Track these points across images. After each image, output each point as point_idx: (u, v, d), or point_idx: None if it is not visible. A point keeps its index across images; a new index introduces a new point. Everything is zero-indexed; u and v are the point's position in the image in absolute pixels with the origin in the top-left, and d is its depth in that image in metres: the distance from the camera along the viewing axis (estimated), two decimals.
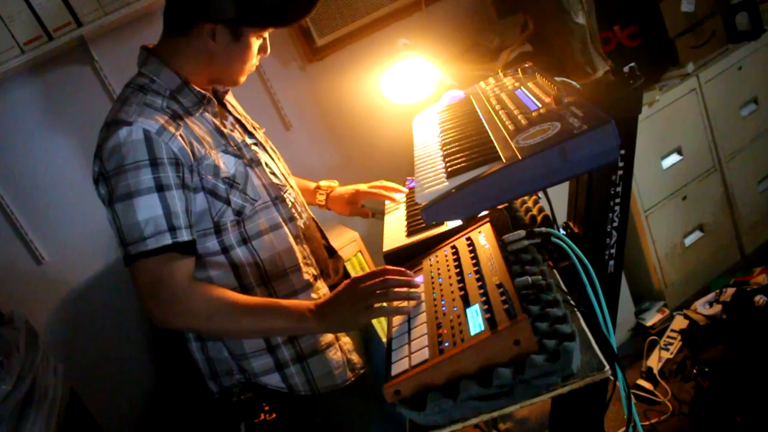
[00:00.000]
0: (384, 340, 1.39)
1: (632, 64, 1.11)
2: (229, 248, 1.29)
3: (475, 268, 1.08)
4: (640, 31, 2.45)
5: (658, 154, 2.49)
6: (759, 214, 2.79)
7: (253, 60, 1.32)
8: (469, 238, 1.21)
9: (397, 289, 1.13)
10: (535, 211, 1.34)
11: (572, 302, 1.05)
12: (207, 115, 1.31)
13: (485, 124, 1.24)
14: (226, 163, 1.26)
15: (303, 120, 2.57)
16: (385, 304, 1.13)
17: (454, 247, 1.23)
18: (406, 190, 1.73)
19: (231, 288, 1.28)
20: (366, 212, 1.75)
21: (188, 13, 1.23)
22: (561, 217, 1.33)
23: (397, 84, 1.91)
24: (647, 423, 2.15)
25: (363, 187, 1.74)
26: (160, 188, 1.16)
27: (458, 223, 1.34)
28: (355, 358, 1.43)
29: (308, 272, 1.38)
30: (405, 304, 1.13)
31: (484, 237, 1.19)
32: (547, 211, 1.30)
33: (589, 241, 1.27)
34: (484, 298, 0.99)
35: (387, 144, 2.40)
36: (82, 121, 2.22)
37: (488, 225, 1.22)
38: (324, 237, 1.54)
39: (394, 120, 2.13)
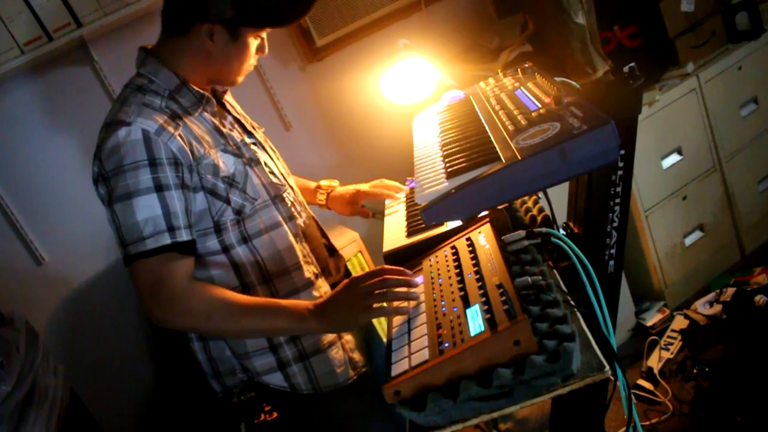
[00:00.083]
0: (384, 340, 1.39)
1: (632, 64, 1.11)
2: (229, 247, 1.29)
3: (475, 269, 1.08)
4: (640, 31, 2.45)
5: (658, 154, 2.49)
6: (759, 214, 2.79)
7: (251, 60, 1.32)
8: (469, 239, 1.21)
9: (396, 289, 1.13)
10: (535, 212, 1.34)
11: (572, 302, 1.04)
12: (206, 114, 1.31)
13: (485, 125, 1.24)
14: (225, 163, 1.26)
15: (303, 120, 2.57)
16: (384, 304, 1.13)
17: (454, 247, 1.22)
18: (406, 188, 1.73)
19: (232, 287, 1.29)
20: (366, 212, 1.75)
21: (186, 14, 1.23)
22: (561, 217, 1.32)
23: (397, 84, 1.91)
24: (647, 423, 2.15)
25: (364, 187, 1.74)
26: (159, 188, 1.16)
27: (458, 223, 1.34)
28: (356, 356, 1.43)
29: (309, 270, 1.38)
30: (404, 304, 1.13)
31: (484, 237, 1.19)
32: (547, 212, 1.30)
33: (589, 242, 1.26)
34: (484, 299, 0.98)
35: (387, 144, 2.40)
36: (82, 121, 2.22)
37: (488, 225, 1.22)
38: (324, 236, 1.54)
39: (394, 120, 2.13)
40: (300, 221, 1.42)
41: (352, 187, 1.75)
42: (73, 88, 2.22)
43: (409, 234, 1.45)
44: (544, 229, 1.15)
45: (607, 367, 0.90)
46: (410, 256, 1.33)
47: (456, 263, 1.15)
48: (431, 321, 1.04)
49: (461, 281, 1.08)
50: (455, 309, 1.01)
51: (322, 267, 1.44)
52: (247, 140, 1.37)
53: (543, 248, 1.16)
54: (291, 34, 2.49)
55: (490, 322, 0.92)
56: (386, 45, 2.12)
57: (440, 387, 0.91)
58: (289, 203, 1.40)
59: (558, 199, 1.31)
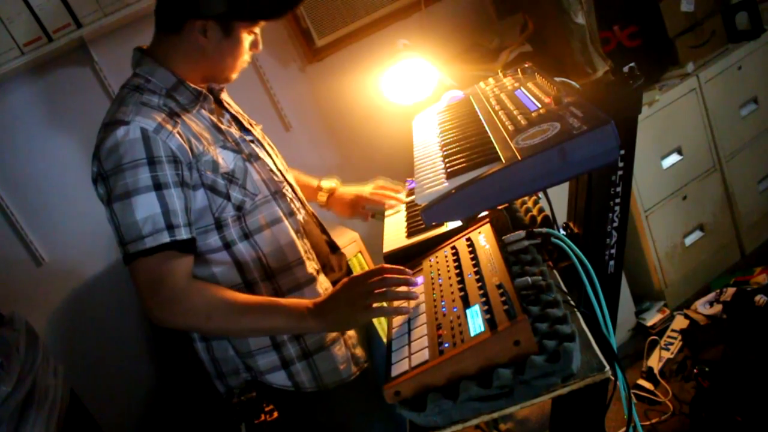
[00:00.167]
0: (384, 340, 1.39)
1: (632, 64, 1.11)
2: (231, 244, 1.29)
3: (475, 269, 1.08)
4: (640, 31, 2.45)
5: (658, 153, 2.49)
6: (759, 214, 2.79)
7: (245, 56, 1.33)
8: (469, 239, 1.21)
9: (396, 289, 1.13)
10: (535, 212, 1.34)
11: (572, 303, 1.04)
12: (204, 112, 1.31)
13: (485, 125, 1.24)
14: (224, 159, 1.27)
15: (303, 121, 2.57)
16: (384, 303, 1.13)
17: (454, 247, 1.22)
18: (406, 190, 1.73)
19: (235, 284, 1.29)
20: (366, 214, 1.74)
21: (179, 11, 1.24)
22: (561, 217, 1.32)
23: (396, 84, 1.91)
24: (648, 423, 2.15)
25: (365, 191, 1.73)
26: (158, 186, 1.16)
27: (458, 223, 1.34)
28: (359, 352, 1.44)
29: (311, 266, 1.38)
30: (404, 303, 1.13)
31: (483, 237, 1.19)
32: (547, 212, 1.30)
33: (589, 242, 1.26)
34: (484, 299, 0.98)
35: (387, 144, 2.40)
36: (81, 122, 2.22)
37: (488, 225, 1.22)
38: (325, 232, 1.54)
39: (394, 120, 2.13)
40: (300, 217, 1.42)
41: (353, 191, 1.74)
42: (73, 88, 2.22)
43: (409, 234, 1.45)
44: (544, 230, 1.15)
45: (607, 367, 0.90)
46: (410, 257, 1.33)
47: (456, 263, 1.15)
48: (431, 321, 1.04)
49: (461, 281, 1.08)
50: (455, 309, 1.01)
51: (322, 263, 1.44)
52: (246, 137, 1.38)
53: (543, 248, 1.16)
54: (291, 34, 2.49)
55: (490, 322, 0.92)
56: (386, 45, 2.12)
57: (440, 387, 0.91)
58: (289, 199, 1.40)
59: (558, 199, 1.31)
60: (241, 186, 1.28)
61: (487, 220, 1.24)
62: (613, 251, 1.29)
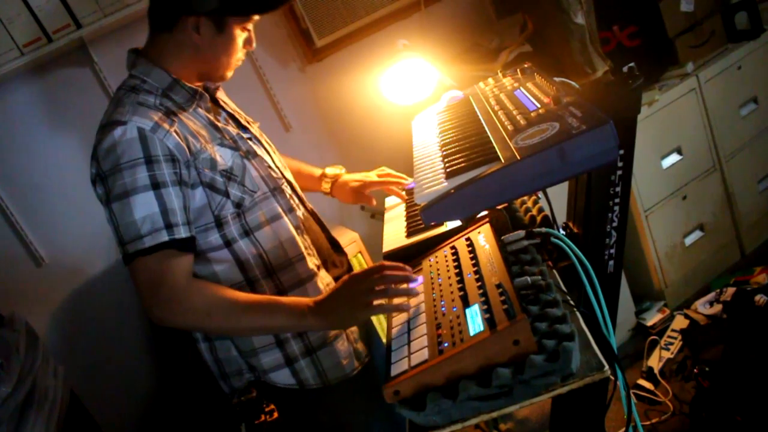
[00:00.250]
0: (384, 339, 1.39)
1: (631, 64, 1.11)
2: (231, 241, 1.29)
3: (475, 269, 1.08)
4: (640, 30, 2.45)
5: (657, 153, 2.49)
6: (759, 214, 2.78)
7: (239, 54, 1.33)
8: (468, 239, 1.21)
9: (395, 286, 1.13)
10: (534, 212, 1.34)
11: (572, 302, 1.04)
12: (200, 110, 1.31)
13: (484, 125, 1.24)
14: (223, 156, 1.27)
15: (303, 121, 2.57)
16: (384, 300, 1.13)
17: (453, 247, 1.23)
18: (409, 180, 1.72)
19: (236, 282, 1.30)
20: (370, 199, 1.74)
21: (171, 8, 1.24)
22: (560, 217, 1.33)
23: (396, 85, 1.91)
24: (648, 423, 2.15)
25: (370, 177, 1.73)
26: (156, 186, 1.16)
27: (458, 223, 1.34)
28: (360, 346, 1.44)
29: (312, 262, 1.39)
30: (404, 300, 1.13)
31: (483, 237, 1.19)
32: (547, 212, 1.30)
33: (588, 242, 1.26)
34: (483, 299, 0.99)
35: (387, 145, 2.40)
36: (81, 122, 2.22)
37: (488, 225, 1.22)
38: (326, 229, 1.54)
39: (394, 121, 2.13)
40: (299, 213, 1.42)
41: (358, 177, 1.73)
42: (73, 89, 2.23)
43: (409, 234, 1.45)
44: (543, 229, 1.15)
45: (607, 367, 0.90)
46: (410, 257, 1.33)
47: (455, 263, 1.15)
48: (431, 321, 1.04)
49: (461, 281, 1.08)
50: (455, 309, 1.01)
51: (323, 259, 1.45)
52: (243, 134, 1.38)
53: (542, 248, 1.16)
54: (290, 34, 2.49)
55: (490, 321, 0.92)
56: (386, 45, 2.13)
57: (440, 387, 0.92)
58: (288, 195, 1.40)
59: (557, 199, 1.31)
60: (239, 183, 1.28)
61: (487, 219, 1.24)
62: (612, 251, 1.29)
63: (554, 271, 1.20)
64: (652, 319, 2.56)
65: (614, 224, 1.26)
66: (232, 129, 1.36)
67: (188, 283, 1.19)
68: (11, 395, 1.55)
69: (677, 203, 2.55)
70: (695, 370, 2.15)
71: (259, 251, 1.31)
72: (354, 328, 1.44)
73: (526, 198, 1.41)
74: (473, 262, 1.11)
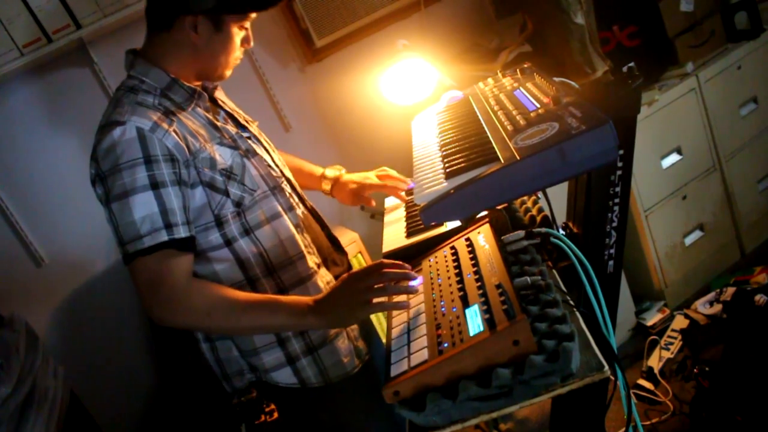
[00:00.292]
0: (384, 340, 1.39)
1: (631, 64, 1.11)
2: (232, 240, 1.29)
3: (474, 269, 1.08)
4: (639, 30, 2.45)
5: (657, 153, 2.49)
6: (759, 214, 2.78)
7: (237, 52, 1.33)
8: (468, 239, 1.21)
9: (395, 284, 1.13)
10: (534, 212, 1.34)
11: (572, 302, 1.04)
12: (199, 110, 1.32)
13: (484, 125, 1.24)
14: (222, 155, 1.27)
15: (302, 121, 2.57)
16: (383, 298, 1.13)
17: (453, 247, 1.23)
18: (409, 181, 1.72)
19: (237, 281, 1.30)
20: (369, 200, 1.74)
21: (169, 8, 1.24)
22: (560, 217, 1.33)
23: (396, 85, 1.91)
24: (648, 423, 2.15)
25: (370, 179, 1.73)
26: (155, 185, 1.16)
27: (457, 223, 1.34)
28: (360, 344, 1.45)
29: (312, 260, 1.39)
30: (404, 298, 1.13)
31: (483, 237, 1.19)
32: (547, 212, 1.30)
33: (588, 242, 1.26)
34: (483, 299, 0.99)
35: (386, 145, 2.40)
36: (81, 123, 2.22)
37: (487, 225, 1.22)
38: (326, 227, 1.54)
39: (394, 121, 2.13)
40: (299, 211, 1.42)
41: (356, 178, 1.73)
42: (73, 89, 2.23)
43: (409, 234, 1.45)
44: (543, 229, 1.15)
45: (606, 367, 0.90)
46: (410, 257, 1.33)
47: (455, 263, 1.15)
48: (430, 321, 1.04)
49: (460, 281, 1.08)
50: (454, 309, 1.01)
51: (323, 257, 1.45)
52: (242, 134, 1.38)
53: (542, 248, 1.16)
54: (290, 35, 2.49)
55: (489, 322, 0.92)
56: (385, 45, 2.13)
57: (439, 387, 0.92)
58: (288, 194, 1.41)
59: (557, 199, 1.31)
60: (239, 182, 1.28)
61: (487, 220, 1.24)
62: (612, 251, 1.29)
63: (554, 271, 1.20)
64: (652, 319, 2.56)
65: (614, 224, 1.26)
66: (231, 128, 1.36)
67: (188, 282, 1.19)
68: (11, 395, 1.56)
69: (677, 203, 2.55)
70: (695, 370, 2.15)
71: (260, 250, 1.32)
72: (354, 326, 1.44)
73: (525, 198, 1.41)
74: (473, 262, 1.11)
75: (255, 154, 1.36)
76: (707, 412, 2.05)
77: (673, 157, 2.53)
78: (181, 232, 1.18)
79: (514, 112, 1.16)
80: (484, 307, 0.96)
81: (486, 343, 0.90)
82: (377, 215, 1.76)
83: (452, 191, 0.99)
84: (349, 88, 2.50)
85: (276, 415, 1.41)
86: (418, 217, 1.35)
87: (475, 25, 2.68)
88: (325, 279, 1.41)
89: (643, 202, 2.47)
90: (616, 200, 1.23)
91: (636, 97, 1.12)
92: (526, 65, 1.48)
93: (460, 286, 1.07)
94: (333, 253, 1.51)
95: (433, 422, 0.91)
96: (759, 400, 1.92)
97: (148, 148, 1.17)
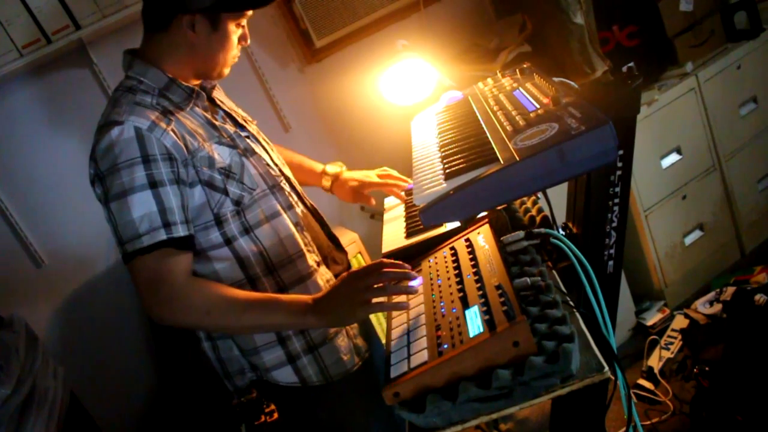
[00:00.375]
0: (383, 341, 1.39)
1: (630, 64, 1.11)
2: (231, 239, 1.29)
3: (474, 270, 1.08)
4: (639, 30, 2.45)
5: (657, 153, 2.49)
6: (759, 213, 2.78)
7: (234, 50, 1.34)
8: (468, 240, 1.21)
9: (394, 283, 1.13)
10: (534, 212, 1.34)
11: (571, 303, 1.04)
12: (197, 109, 1.32)
13: (483, 126, 1.24)
14: (221, 154, 1.27)
15: (302, 121, 2.57)
16: (383, 298, 1.13)
17: (453, 248, 1.22)
18: (410, 181, 1.72)
19: (237, 280, 1.30)
20: (368, 199, 1.74)
21: (166, 8, 1.25)
22: (560, 217, 1.32)
23: (395, 85, 1.91)
24: (648, 423, 2.15)
25: (370, 177, 1.73)
26: (154, 185, 1.16)
27: (457, 224, 1.34)
28: (360, 342, 1.45)
29: (311, 258, 1.39)
30: (403, 298, 1.13)
31: (482, 238, 1.19)
32: (546, 212, 1.30)
33: (588, 242, 1.26)
34: (483, 300, 0.98)
35: (386, 145, 2.40)
36: (81, 123, 2.22)
37: (487, 226, 1.22)
38: (325, 226, 1.54)
39: (393, 121, 2.13)
40: (298, 210, 1.43)
41: (357, 176, 1.74)
42: (72, 90, 2.22)
43: (408, 235, 1.45)
44: (543, 230, 1.15)
45: (606, 368, 0.90)
46: (409, 257, 1.33)
47: (455, 264, 1.15)
48: (430, 322, 1.04)
49: (460, 282, 1.08)
50: (454, 310, 1.01)
51: (323, 255, 1.45)
52: (241, 133, 1.38)
53: (542, 249, 1.16)
54: (290, 35, 2.49)
55: (489, 323, 0.92)
56: (385, 46, 2.12)
57: (439, 388, 0.91)
58: (287, 192, 1.41)
59: (557, 199, 1.31)
60: (238, 181, 1.29)
61: (486, 220, 1.24)
62: (612, 251, 1.29)
63: (554, 271, 1.19)
64: (652, 318, 2.56)
65: (614, 224, 1.26)
66: (230, 127, 1.37)
67: (187, 281, 1.19)
68: (11, 396, 1.56)
69: (677, 203, 2.55)
70: (695, 370, 2.15)
71: (260, 249, 1.32)
72: (353, 324, 1.44)
73: (525, 198, 1.41)
74: (473, 263, 1.11)
75: (253, 153, 1.36)
76: (707, 411, 2.05)
77: (673, 157, 2.52)
78: (180, 231, 1.18)
79: (514, 113, 1.16)
80: (484, 308, 0.96)
81: (486, 344, 0.90)
82: (377, 215, 1.76)
83: (452, 192, 0.99)
84: (349, 88, 2.50)
85: (276, 415, 1.41)
86: (418, 218, 1.35)
87: (474, 26, 2.68)
88: (325, 277, 1.41)
89: (643, 202, 2.47)
90: (616, 200, 1.23)
91: (635, 97, 1.12)
92: (525, 65, 1.48)
93: (459, 287, 1.06)
94: (333, 251, 1.51)
95: (433, 423, 0.91)
96: (759, 400, 1.92)
97: (146, 147, 1.17)
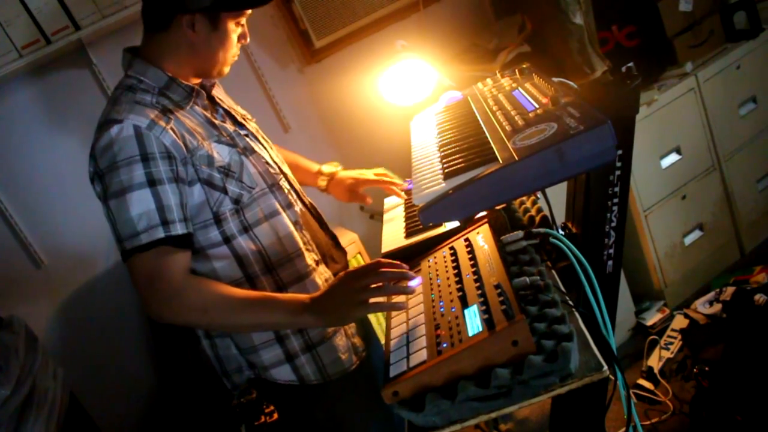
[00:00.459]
0: (383, 340, 1.39)
1: (630, 64, 1.11)
2: (230, 238, 1.30)
3: (473, 269, 1.08)
4: (638, 30, 2.45)
5: (657, 153, 2.49)
6: (758, 213, 2.79)
7: (234, 49, 1.34)
8: (467, 239, 1.21)
9: (392, 283, 1.13)
10: (533, 212, 1.34)
11: (571, 303, 1.04)
12: (197, 108, 1.32)
13: (482, 125, 1.25)
14: (220, 153, 1.28)
15: (301, 122, 2.57)
16: (380, 298, 1.13)
17: (452, 248, 1.23)
18: (405, 183, 1.73)
19: (236, 279, 1.30)
20: (364, 197, 1.74)
21: (166, 8, 1.25)
22: (559, 217, 1.33)
23: (395, 85, 1.91)
24: (648, 422, 2.15)
25: (365, 175, 1.74)
26: (152, 183, 1.17)
27: (456, 224, 1.34)
28: (357, 341, 1.45)
29: (310, 257, 1.39)
30: (402, 298, 1.13)
31: (482, 238, 1.19)
32: (546, 212, 1.30)
33: (587, 242, 1.26)
34: (482, 299, 0.99)
35: (385, 145, 2.40)
36: (80, 124, 2.22)
37: (486, 226, 1.22)
38: (324, 224, 1.54)
39: (393, 121, 2.13)
40: (297, 208, 1.43)
41: (353, 174, 1.74)
42: (72, 90, 2.23)
43: (408, 235, 1.45)
44: (542, 230, 1.15)
45: (605, 367, 0.90)
46: (409, 257, 1.33)
47: (454, 264, 1.15)
48: (429, 321, 1.04)
49: (459, 282, 1.08)
50: (453, 309, 1.01)
51: (322, 254, 1.45)
52: (240, 131, 1.39)
53: (541, 248, 1.16)
54: (289, 35, 2.49)
55: (488, 322, 0.92)
56: (384, 46, 2.12)
57: (439, 387, 0.92)
58: (286, 191, 1.41)
59: (556, 199, 1.31)
60: (237, 179, 1.29)
61: (486, 220, 1.24)
62: (611, 251, 1.29)
63: (553, 271, 1.20)
64: (652, 318, 2.56)
65: (613, 224, 1.26)
66: (230, 126, 1.37)
67: (185, 279, 1.19)
68: (10, 397, 1.56)
69: (676, 203, 2.55)
70: (695, 370, 2.15)
71: (258, 247, 1.32)
72: (351, 323, 1.44)
73: (524, 198, 1.41)
74: (472, 262, 1.11)
75: (253, 151, 1.37)
76: (707, 411, 2.05)
77: (673, 157, 2.53)
78: (178, 229, 1.18)
79: (513, 113, 1.16)
80: (483, 308, 0.96)
81: (485, 343, 0.90)
82: (376, 215, 1.77)
83: (451, 192, 1.00)
84: (348, 88, 2.51)
85: (276, 416, 1.41)
86: (417, 218, 1.35)
87: (473, 26, 2.69)
88: (323, 276, 1.41)
89: (643, 202, 2.47)
90: (615, 200, 1.23)
91: (635, 97, 1.12)
92: (524, 65, 1.48)
93: (459, 286, 1.07)
94: (332, 249, 1.51)
95: (432, 422, 0.91)
96: (759, 400, 1.92)
97: (145, 145, 1.17)
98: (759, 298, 2.28)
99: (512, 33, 2.40)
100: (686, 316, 2.46)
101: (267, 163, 1.39)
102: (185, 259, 1.21)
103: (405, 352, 1.00)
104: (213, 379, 1.48)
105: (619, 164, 1.19)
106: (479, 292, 1.01)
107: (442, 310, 1.04)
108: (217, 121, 1.34)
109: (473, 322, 0.95)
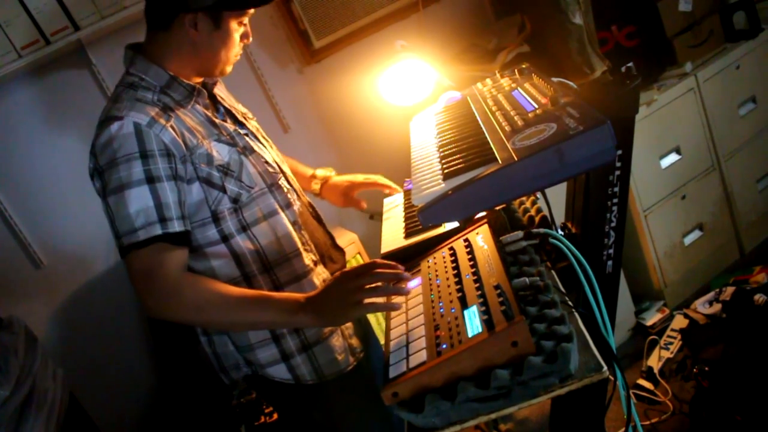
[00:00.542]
0: (382, 341, 1.39)
1: (629, 64, 1.11)
2: (229, 236, 1.30)
3: (473, 270, 1.08)
4: (638, 30, 2.45)
5: (656, 153, 2.49)
6: (758, 213, 2.79)
7: (237, 48, 1.34)
8: (466, 240, 1.21)
9: (388, 284, 1.13)
10: (533, 212, 1.34)
11: (570, 303, 1.04)
12: (198, 107, 1.33)
13: (482, 126, 1.24)
14: (219, 152, 1.28)
15: (301, 122, 2.57)
16: (376, 299, 1.13)
17: (451, 248, 1.22)
18: (399, 189, 1.73)
19: (233, 277, 1.31)
20: (358, 202, 1.75)
21: (168, 6, 1.25)
22: (559, 217, 1.32)
23: (394, 86, 1.91)
24: (648, 423, 2.15)
25: (358, 179, 1.74)
26: (151, 180, 1.17)
27: (456, 224, 1.33)
28: (354, 342, 1.45)
29: (308, 257, 1.39)
30: (398, 299, 1.13)
31: (481, 238, 1.18)
32: (545, 212, 1.30)
33: (587, 242, 1.26)
34: (481, 300, 0.98)
35: (385, 146, 2.40)
36: (80, 124, 2.22)
37: (486, 226, 1.22)
38: (323, 224, 1.54)
39: (392, 122, 2.13)
40: (296, 208, 1.43)
41: (347, 179, 1.75)
42: (71, 91, 2.23)
43: (407, 235, 1.45)
44: (542, 230, 1.15)
45: (605, 368, 0.90)
46: (408, 258, 1.33)
47: (454, 264, 1.15)
48: (429, 322, 1.03)
49: (459, 282, 1.08)
50: (453, 310, 1.01)
51: (321, 254, 1.45)
52: (240, 130, 1.39)
53: (541, 249, 1.16)
54: (289, 36, 2.49)
55: (488, 323, 0.92)
56: (384, 46, 2.12)
57: (438, 388, 0.91)
58: (285, 191, 1.41)
59: (556, 199, 1.31)
60: (236, 178, 1.29)
61: (485, 220, 1.24)
62: (611, 251, 1.29)
63: (553, 271, 1.19)
64: (652, 318, 2.56)
65: (613, 224, 1.26)
66: (230, 125, 1.37)
67: (180, 276, 1.19)
68: (10, 398, 1.56)
69: (676, 203, 2.55)
70: (695, 370, 2.15)
71: (256, 247, 1.32)
72: (348, 324, 1.45)
73: (524, 198, 1.41)
74: (471, 263, 1.11)
75: (252, 151, 1.37)
76: (707, 411, 2.05)
77: (672, 157, 2.53)
78: (176, 227, 1.19)
79: (512, 113, 1.16)
80: (483, 308, 0.96)
81: (484, 344, 0.89)
82: (376, 216, 1.76)
83: (450, 192, 0.99)
84: (348, 89, 2.50)
85: (276, 416, 1.41)
86: (417, 218, 1.35)
87: (473, 26, 2.68)
88: (321, 276, 1.41)
89: (642, 202, 2.47)
90: (615, 200, 1.23)
91: (634, 97, 1.12)
92: (524, 66, 1.48)
93: (458, 287, 1.06)
94: (330, 249, 1.51)
95: (431, 423, 0.91)
96: (759, 400, 1.92)
97: (145, 143, 1.18)
98: (759, 298, 2.28)
99: (512, 33, 2.40)
100: (686, 316, 2.46)
101: (266, 162, 1.39)
102: (182, 256, 1.21)
103: (404, 353, 1.00)
104: (213, 379, 1.48)
105: (618, 164, 1.19)
106: (479, 292, 1.01)
107: (441, 310, 1.04)
108: (217, 120, 1.34)
109: (473, 322, 0.94)
